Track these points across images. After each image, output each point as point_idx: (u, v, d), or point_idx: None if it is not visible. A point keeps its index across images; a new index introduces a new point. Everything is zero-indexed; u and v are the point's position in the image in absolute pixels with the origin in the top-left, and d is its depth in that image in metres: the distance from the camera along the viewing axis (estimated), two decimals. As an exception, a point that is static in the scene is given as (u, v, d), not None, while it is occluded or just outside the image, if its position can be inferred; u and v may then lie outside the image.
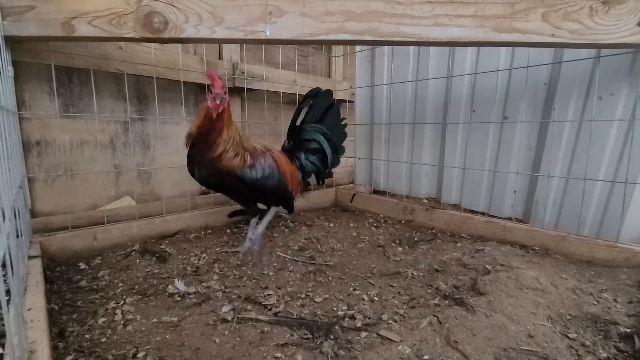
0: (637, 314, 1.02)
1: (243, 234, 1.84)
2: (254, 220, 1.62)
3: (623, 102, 1.47)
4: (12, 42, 1.24)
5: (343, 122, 1.83)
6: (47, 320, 0.84)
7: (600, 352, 0.88)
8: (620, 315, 1.02)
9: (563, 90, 1.66)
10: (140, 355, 0.86)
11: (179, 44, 1.80)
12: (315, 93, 1.75)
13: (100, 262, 1.47)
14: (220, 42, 1.77)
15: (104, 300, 1.16)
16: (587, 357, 0.86)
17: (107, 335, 0.94)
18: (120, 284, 1.28)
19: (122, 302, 1.15)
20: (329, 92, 1.79)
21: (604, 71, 1.49)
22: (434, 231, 1.92)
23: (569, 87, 1.64)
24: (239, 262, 1.49)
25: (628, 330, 0.94)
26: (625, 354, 0.88)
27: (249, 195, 1.48)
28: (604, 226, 1.55)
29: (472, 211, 2.02)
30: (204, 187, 1.79)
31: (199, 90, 2.07)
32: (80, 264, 1.43)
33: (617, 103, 1.47)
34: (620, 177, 1.47)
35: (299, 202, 1.83)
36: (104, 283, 1.28)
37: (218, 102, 1.29)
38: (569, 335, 0.94)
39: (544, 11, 1.17)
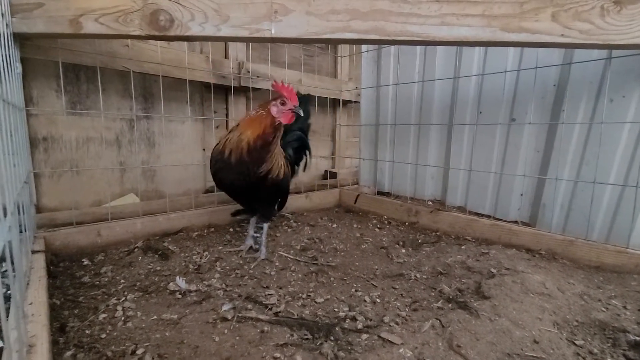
0: (647, 321, 0.99)
1: (246, 233, 1.83)
2: (254, 219, 1.64)
3: (635, 104, 1.44)
4: (21, 39, 1.25)
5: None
6: (49, 314, 0.84)
7: (608, 360, 0.85)
8: (629, 323, 0.99)
9: (573, 92, 1.63)
10: (139, 352, 0.86)
11: (185, 42, 1.79)
12: (307, 99, 1.83)
13: (103, 258, 1.48)
14: (225, 40, 1.77)
15: (106, 297, 1.16)
16: (595, 365, 0.83)
17: (107, 331, 0.94)
18: (122, 281, 1.28)
19: (124, 298, 1.15)
20: (307, 97, 1.92)
21: (615, 72, 1.46)
22: (438, 233, 1.90)
23: (579, 88, 1.61)
24: (240, 261, 1.48)
25: (638, 338, 0.91)
26: (634, 362, 0.85)
27: (265, 197, 1.48)
28: (614, 231, 1.51)
29: (477, 214, 1.99)
30: (208, 186, 1.77)
31: (205, 89, 2.08)
32: (84, 260, 1.44)
33: (629, 105, 1.44)
34: (631, 181, 1.44)
35: (303, 202, 1.81)
36: (106, 279, 1.29)
37: (291, 115, 1.34)
38: (576, 342, 0.92)
39: (554, 11, 1.14)
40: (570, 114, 1.62)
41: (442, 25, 1.17)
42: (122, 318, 1.01)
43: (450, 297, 1.19)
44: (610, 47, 1.18)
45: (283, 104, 1.33)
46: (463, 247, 1.64)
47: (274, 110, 1.34)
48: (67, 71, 1.62)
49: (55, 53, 1.46)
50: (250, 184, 1.35)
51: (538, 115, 1.79)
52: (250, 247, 1.58)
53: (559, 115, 1.69)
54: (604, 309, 1.07)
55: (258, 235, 1.65)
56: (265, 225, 1.56)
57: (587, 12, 1.13)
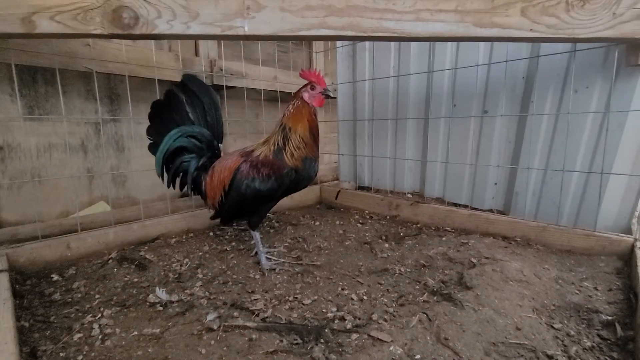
0: (616, 301, 1.05)
1: (227, 237, 1.81)
2: (257, 234, 1.51)
3: (597, 94, 1.51)
4: (-35, 40, 1.12)
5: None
6: (17, 340, 0.77)
7: (585, 341, 0.90)
8: (601, 303, 1.04)
9: (540, 84, 1.69)
10: (120, 373, 0.80)
11: (152, 40, 1.70)
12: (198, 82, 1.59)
13: (74, 272, 1.40)
14: (195, 38, 1.69)
15: (80, 314, 1.10)
16: (573, 347, 0.87)
17: (84, 353, 0.89)
18: (97, 296, 1.22)
19: (100, 315, 1.09)
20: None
21: (579, 65, 1.54)
22: (419, 226, 1.92)
23: (546, 80, 1.68)
24: (223, 266, 1.45)
25: (609, 317, 0.97)
26: (608, 341, 0.90)
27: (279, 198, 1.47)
28: (581, 216, 1.59)
29: (455, 204, 2.03)
30: (184, 189, 1.68)
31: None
32: (53, 276, 1.36)
33: (592, 95, 1.52)
34: (595, 167, 1.51)
35: (284, 201, 1.78)
36: (79, 295, 1.22)
37: (322, 98, 1.39)
38: (554, 325, 0.96)
39: (523, 6, 1.17)
40: (539, 105, 1.69)
41: (417, 21, 1.17)
42: (100, 337, 0.96)
43: (435, 289, 1.21)
44: (575, 40, 1.23)
45: (313, 88, 1.38)
46: (444, 239, 1.66)
47: (305, 96, 1.40)
48: (21, 73, 1.50)
49: (7, 54, 1.34)
50: (304, 184, 1.42)
51: (509, 107, 1.84)
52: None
53: (528, 106, 1.76)
54: (577, 292, 1.12)
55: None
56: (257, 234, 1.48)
57: (553, 7, 1.17)
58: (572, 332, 0.92)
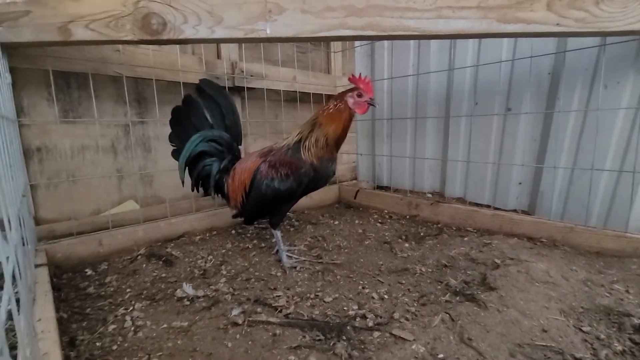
0: (650, 305, 1.01)
1: (248, 235, 1.84)
2: (279, 232, 1.52)
3: (629, 90, 1.45)
4: (9, 49, 1.21)
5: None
6: (57, 329, 0.83)
7: (616, 345, 0.87)
8: (633, 307, 1.01)
9: (567, 80, 1.64)
10: (153, 362, 0.85)
11: (177, 45, 1.76)
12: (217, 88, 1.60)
13: (106, 267, 1.46)
14: (220, 42, 1.74)
15: (113, 307, 1.15)
16: (603, 351, 0.85)
17: (118, 343, 0.94)
18: (128, 290, 1.28)
19: (131, 308, 1.14)
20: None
21: (609, 59, 1.48)
22: (439, 226, 1.90)
23: (574, 76, 1.63)
24: (246, 264, 1.48)
25: (643, 321, 0.93)
26: (641, 346, 0.86)
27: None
28: (612, 216, 1.54)
29: (476, 204, 1.99)
30: (196, 192, 1.72)
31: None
32: (87, 270, 1.42)
33: (623, 91, 1.46)
34: (627, 166, 1.45)
35: (303, 200, 1.79)
36: (111, 289, 1.28)
37: (367, 107, 1.42)
38: (583, 328, 0.94)
39: (549, 0, 1.14)
40: (566, 102, 1.64)
41: (439, 19, 1.17)
42: (132, 328, 1.00)
43: (457, 289, 1.20)
44: (605, 34, 1.19)
45: (360, 95, 1.39)
46: (465, 239, 1.64)
47: (350, 101, 1.40)
48: (57, 79, 1.59)
49: (45, 61, 1.43)
50: (322, 183, 1.43)
51: (534, 104, 1.80)
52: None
53: (554, 103, 1.71)
54: (607, 294, 1.09)
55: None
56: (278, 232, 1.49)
57: (581, 0, 1.13)
58: (602, 336, 0.90)
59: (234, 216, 1.70)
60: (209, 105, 1.50)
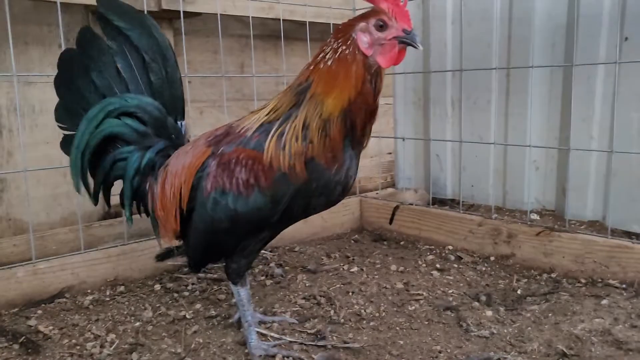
0: None
1: (185, 293, 1.35)
2: (245, 291, 1.09)
3: None
4: None
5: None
6: None
7: None
8: None
9: None
10: None
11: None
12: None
13: None
14: None
15: None
16: None
17: None
18: None
19: None
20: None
21: None
22: (553, 275, 1.43)
23: None
24: (178, 351, 1.08)
25: None
26: None
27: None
28: None
29: (627, 234, 1.53)
30: (107, 207, 1.32)
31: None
32: None
33: None
34: None
35: (293, 227, 1.21)
36: None
37: (399, 49, 0.91)
38: None
39: None
40: None
41: None
42: None
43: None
44: None
45: (382, 26, 0.90)
46: (604, 302, 1.24)
47: (362, 40, 0.91)
48: None
49: None
50: (321, 201, 1.03)
51: None
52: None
53: None
54: None
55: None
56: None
57: None
58: None
59: (160, 257, 1.24)
60: (120, 49, 1.13)
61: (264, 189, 0.90)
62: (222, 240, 1.00)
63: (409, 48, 0.88)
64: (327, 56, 0.93)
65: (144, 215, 1.14)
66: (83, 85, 1.09)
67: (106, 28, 1.08)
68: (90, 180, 1.12)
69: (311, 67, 0.94)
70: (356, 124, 0.94)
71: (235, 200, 0.90)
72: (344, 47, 0.90)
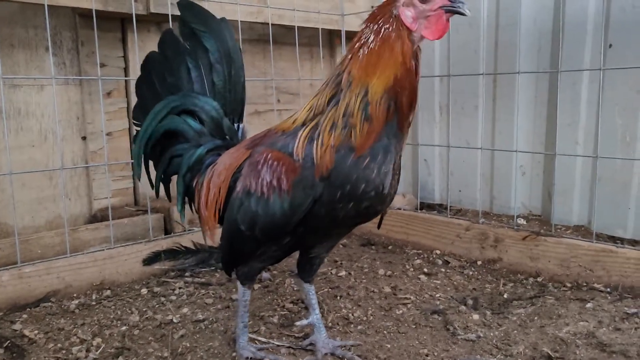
0: None
1: (173, 297, 1.35)
2: (247, 293, 1.08)
3: None
4: None
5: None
6: None
7: None
8: None
9: None
10: None
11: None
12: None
13: None
14: None
15: None
16: None
17: None
18: None
19: None
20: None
21: None
22: (539, 279, 1.45)
23: None
24: (165, 355, 1.09)
25: None
26: None
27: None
28: None
29: (612, 238, 1.55)
30: (97, 208, 1.46)
31: (82, 21, 1.57)
32: None
33: None
34: None
35: None
36: None
37: (445, 20, 0.87)
38: None
39: None
40: None
41: None
42: None
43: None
44: None
45: None
46: (589, 305, 1.26)
47: (407, 15, 0.87)
48: None
49: None
50: (367, 211, 0.97)
51: None
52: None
53: None
54: None
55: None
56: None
57: None
58: None
59: (147, 261, 1.26)
60: (193, 50, 1.16)
61: (283, 193, 0.86)
62: (243, 242, 0.97)
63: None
64: (368, 40, 0.87)
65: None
66: (159, 83, 1.09)
67: (184, 30, 1.07)
68: (152, 173, 1.15)
69: (349, 57, 0.89)
70: (402, 104, 0.87)
71: (257, 203, 0.88)
72: (386, 26, 0.86)
